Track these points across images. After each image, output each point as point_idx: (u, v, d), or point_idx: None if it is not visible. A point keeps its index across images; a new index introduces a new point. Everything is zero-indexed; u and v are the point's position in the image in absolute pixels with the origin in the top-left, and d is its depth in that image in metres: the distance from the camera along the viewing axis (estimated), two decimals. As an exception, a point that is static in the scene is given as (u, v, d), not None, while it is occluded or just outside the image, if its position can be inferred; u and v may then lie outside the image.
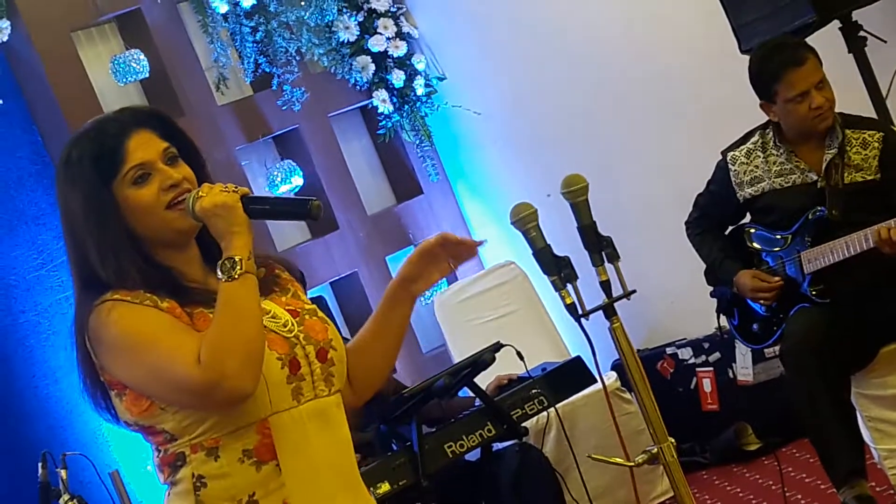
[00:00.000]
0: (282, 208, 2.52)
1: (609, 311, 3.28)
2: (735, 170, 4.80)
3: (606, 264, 3.29)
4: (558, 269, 3.28)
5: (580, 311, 3.26)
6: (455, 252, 2.68)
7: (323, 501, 2.49)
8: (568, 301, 3.26)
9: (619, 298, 3.29)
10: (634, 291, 3.30)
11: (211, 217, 2.42)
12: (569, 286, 3.27)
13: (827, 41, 4.86)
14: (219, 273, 2.39)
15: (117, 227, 2.46)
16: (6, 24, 5.75)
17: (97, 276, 2.44)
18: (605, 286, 3.26)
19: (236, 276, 2.38)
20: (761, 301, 4.76)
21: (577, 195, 3.31)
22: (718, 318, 5.03)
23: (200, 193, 2.44)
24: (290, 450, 2.45)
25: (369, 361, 2.68)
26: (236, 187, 2.45)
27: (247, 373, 2.34)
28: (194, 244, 2.55)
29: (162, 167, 2.48)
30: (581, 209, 3.32)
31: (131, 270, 2.43)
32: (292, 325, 2.52)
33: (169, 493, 2.50)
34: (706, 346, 6.25)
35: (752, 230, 4.87)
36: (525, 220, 3.30)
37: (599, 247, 3.29)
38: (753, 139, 4.80)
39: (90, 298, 2.43)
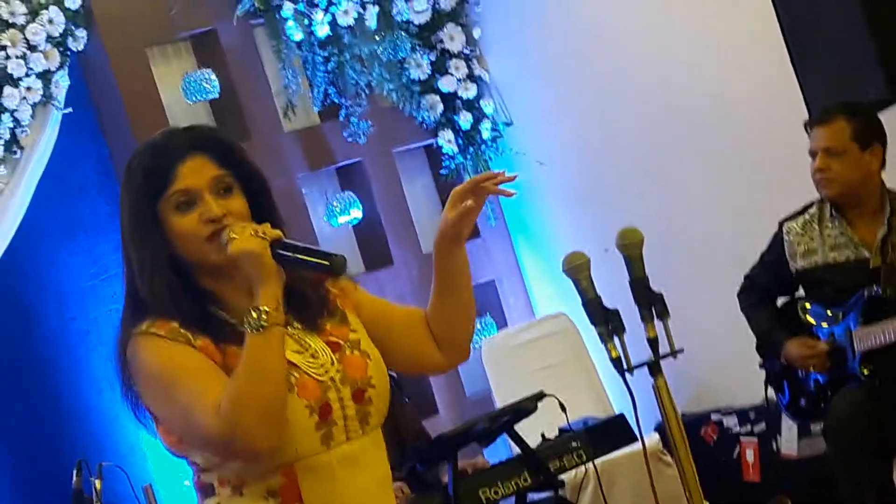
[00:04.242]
0: (308, 259, 2.45)
1: (654, 368, 3.27)
2: (790, 240, 4.78)
3: (656, 321, 3.28)
4: (606, 321, 3.28)
5: (625, 366, 3.24)
6: (488, 187, 2.61)
7: None
8: (614, 354, 3.24)
9: (666, 356, 3.27)
10: (682, 350, 3.29)
11: (240, 262, 2.39)
12: (615, 339, 3.26)
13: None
14: (245, 324, 2.36)
15: (158, 245, 2.44)
16: (83, 33, 5.80)
17: (138, 293, 2.43)
18: (653, 343, 3.25)
19: (261, 330, 2.34)
20: (811, 368, 4.71)
21: (631, 249, 3.31)
22: (766, 389, 4.99)
23: (233, 234, 2.40)
24: (316, 495, 2.43)
25: (449, 319, 2.65)
26: (265, 232, 2.40)
27: (262, 432, 2.32)
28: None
29: (207, 197, 2.44)
30: (634, 263, 3.32)
31: (165, 294, 2.41)
32: (330, 364, 2.48)
33: None
34: (752, 415, 6.18)
35: (808, 304, 4.83)
36: (577, 270, 3.30)
37: (650, 302, 3.28)
38: (811, 211, 4.78)
39: (131, 322, 2.43)
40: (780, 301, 5.01)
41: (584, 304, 3.30)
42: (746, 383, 5.46)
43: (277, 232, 2.42)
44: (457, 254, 2.64)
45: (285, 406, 2.37)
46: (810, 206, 4.82)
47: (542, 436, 5.11)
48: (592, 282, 3.30)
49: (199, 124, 2.64)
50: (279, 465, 2.40)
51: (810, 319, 4.82)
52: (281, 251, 2.41)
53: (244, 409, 2.30)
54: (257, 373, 2.33)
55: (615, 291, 3.61)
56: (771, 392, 5.00)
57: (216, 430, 2.31)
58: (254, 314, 2.35)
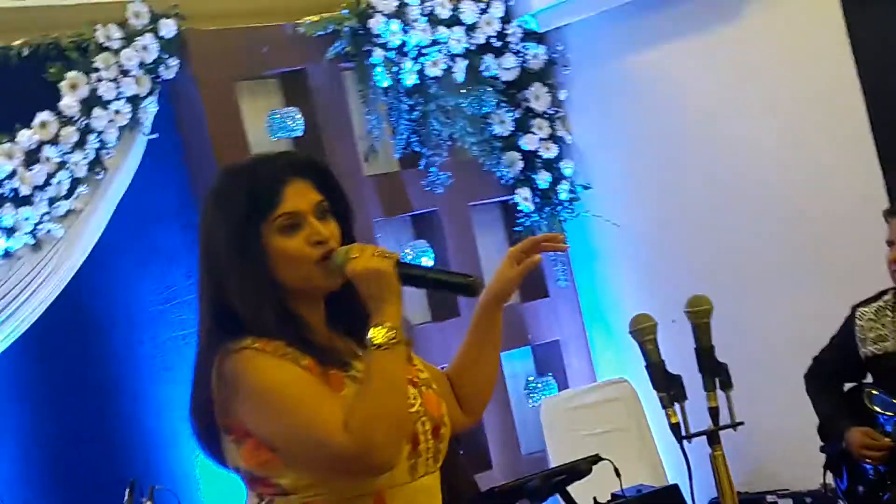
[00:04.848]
0: (438, 280, 2.50)
1: (713, 438, 3.25)
2: (861, 325, 4.75)
3: (718, 391, 3.27)
4: (668, 386, 3.27)
5: (683, 433, 3.23)
6: (545, 245, 2.67)
7: None
8: (673, 420, 3.23)
9: (726, 427, 3.25)
10: (742, 423, 3.27)
11: (363, 281, 2.40)
12: (676, 406, 3.25)
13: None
14: (371, 339, 2.37)
15: (261, 268, 2.42)
16: (175, 62, 5.89)
17: (232, 315, 2.41)
18: (714, 413, 3.24)
19: (389, 346, 2.36)
20: (868, 460, 4.66)
21: (699, 316, 3.31)
22: (825, 474, 4.93)
23: (353, 254, 2.41)
24: None
25: (478, 379, 2.69)
26: (387, 252, 2.43)
27: (393, 446, 2.34)
28: (322, 299, 2.53)
29: (312, 220, 2.45)
30: (702, 330, 3.32)
31: (269, 315, 2.40)
32: (415, 398, 2.50)
33: None
34: (808, 500, 6.10)
35: (874, 391, 4.78)
36: (643, 332, 3.30)
37: (714, 372, 3.27)
38: (885, 297, 4.75)
39: (224, 339, 2.40)
40: (847, 386, 4.96)
41: (648, 368, 3.30)
42: (805, 467, 5.40)
43: (397, 254, 2.45)
44: (499, 314, 2.70)
45: (411, 420, 2.41)
46: (885, 293, 4.79)
47: (595, 500, 5.08)
48: (657, 345, 3.30)
49: (291, 151, 2.66)
50: (371, 492, 2.40)
51: (875, 407, 4.77)
52: (409, 271, 2.44)
53: (378, 423, 2.30)
54: (388, 388, 2.35)
55: (678, 364, 3.60)
56: (829, 478, 4.95)
57: (346, 447, 2.29)
58: (381, 331, 2.37)
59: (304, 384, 2.36)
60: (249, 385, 2.36)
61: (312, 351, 2.42)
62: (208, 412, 2.43)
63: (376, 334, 2.37)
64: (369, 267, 2.39)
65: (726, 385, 3.28)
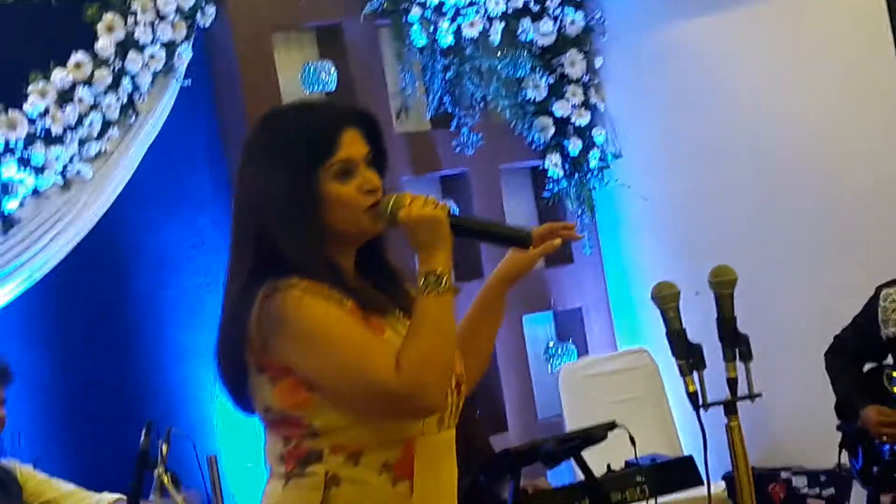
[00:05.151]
0: (490, 231, 2.54)
1: (730, 408, 3.25)
2: (884, 306, 4.74)
3: (738, 362, 3.27)
4: (688, 355, 3.27)
5: (701, 401, 3.24)
6: (561, 233, 2.69)
7: None
8: (691, 388, 3.24)
9: (744, 398, 3.25)
10: (760, 395, 3.27)
11: (415, 227, 2.44)
12: (695, 374, 3.26)
13: None
14: (422, 286, 2.42)
15: (314, 212, 2.46)
16: (212, 9, 5.89)
17: (278, 257, 2.43)
18: (732, 384, 3.25)
19: (440, 292, 2.41)
20: (884, 437, 4.66)
21: (723, 287, 3.31)
22: (840, 453, 4.93)
23: (405, 202, 2.45)
24: (425, 473, 2.47)
25: (473, 354, 2.69)
26: (437, 203, 2.47)
27: (442, 389, 2.41)
28: (354, 249, 2.55)
29: (364, 169, 2.49)
30: (724, 301, 3.32)
31: (319, 258, 2.44)
32: None
33: (288, 482, 2.47)
34: (823, 478, 6.10)
35: (894, 373, 4.78)
36: (666, 299, 3.30)
37: (734, 342, 3.27)
38: (910, 280, 4.74)
39: (268, 278, 2.42)
40: (867, 367, 4.96)
41: (669, 335, 3.30)
42: (821, 445, 5.40)
43: (447, 205, 2.50)
44: (504, 294, 2.73)
45: (453, 368, 2.45)
46: (911, 274, 4.78)
47: (608, 466, 5.10)
48: (679, 314, 3.30)
49: (337, 99, 2.68)
50: (403, 438, 2.45)
51: (894, 389, 4.76)
52: (461, 222, 2.47)
53: (430, 365, 2.37)
54: (438, 333, 2.40)
55: (699, 338, 3.60)
56: (844, 457, 4.95)
57: (398, 386, 2.35)
58: (433, 277, 2.42)
59: (352, 324, 2.41)
60: (297, 322, 2.39)
61: (354, 295, 2.45)
62: (238, 350, 2.45)
63: (427, 280, 2.42)
64: (424, 214, 2.43)
65: (746, 356, 3.28)
